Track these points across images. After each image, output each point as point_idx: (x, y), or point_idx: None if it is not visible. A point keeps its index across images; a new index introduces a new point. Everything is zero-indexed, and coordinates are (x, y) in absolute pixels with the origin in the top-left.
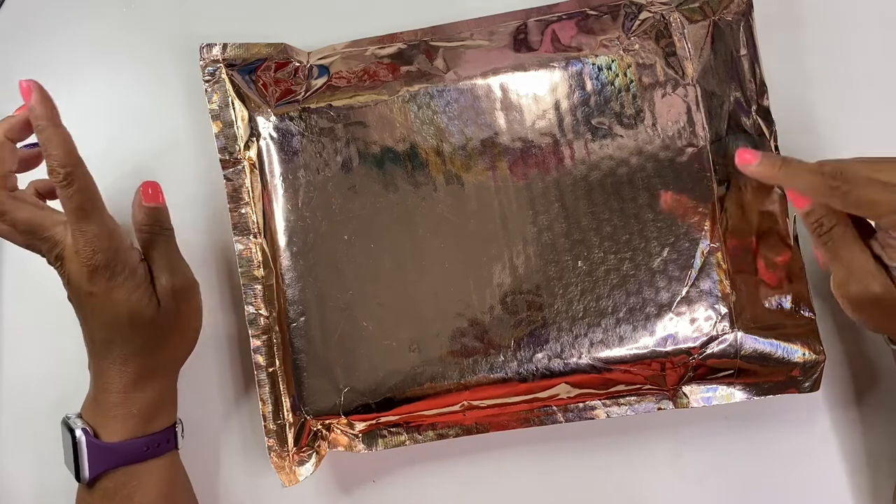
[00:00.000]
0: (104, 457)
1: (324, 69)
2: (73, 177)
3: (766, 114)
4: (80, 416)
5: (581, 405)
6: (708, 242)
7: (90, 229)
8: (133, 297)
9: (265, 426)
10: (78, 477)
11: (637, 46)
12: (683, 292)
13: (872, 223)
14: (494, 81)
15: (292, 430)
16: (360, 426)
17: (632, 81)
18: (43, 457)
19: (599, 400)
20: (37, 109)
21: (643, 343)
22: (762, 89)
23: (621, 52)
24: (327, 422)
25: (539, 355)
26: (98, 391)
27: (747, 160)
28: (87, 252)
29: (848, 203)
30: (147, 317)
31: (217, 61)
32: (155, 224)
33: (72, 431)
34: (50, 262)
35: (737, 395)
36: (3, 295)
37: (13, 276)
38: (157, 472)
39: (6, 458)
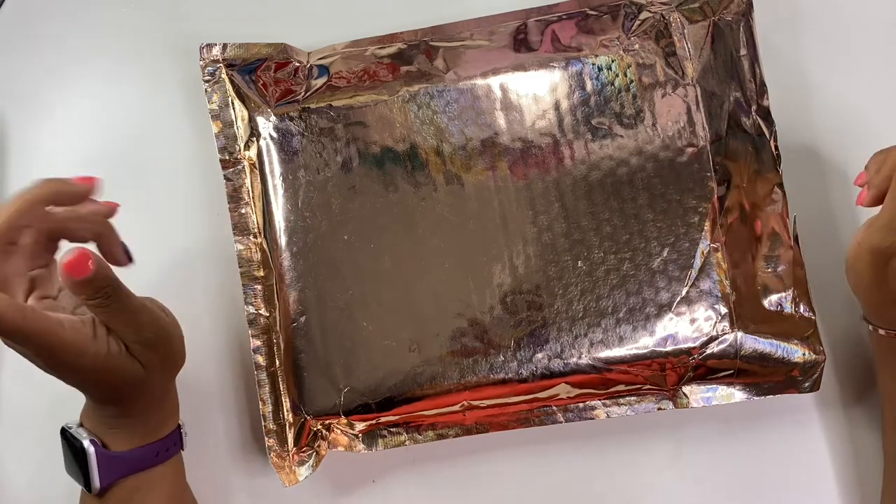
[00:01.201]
0: (116, 466)
1: (324, 69)
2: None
3: (766, 114)
4: (80, 424)
5: (581, 405)
6: (708, 242)
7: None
8: (110, 377)
9: (265, 426)
10: (88, 487)
11: (637, 46)
12: (683, 292)
13: None
14: (494, 81)
15: (292, 430)
16: (360, 426)
17: (632, 81)
18: (43, 462)
19: (599, 400)
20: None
21: (643, 343)
22: (762, 89)
23: (621, 52)
24: (327, 422)
25: (539, 355)
26: (97, 409)
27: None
28: (48, 361)
29: None
30: (134, 381)
31: (217, 61)
32: (94, 294)
33: (77, 442)
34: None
35: (737, 395)
36: None
37: None
38: (167, 476)
39: (5, 463)
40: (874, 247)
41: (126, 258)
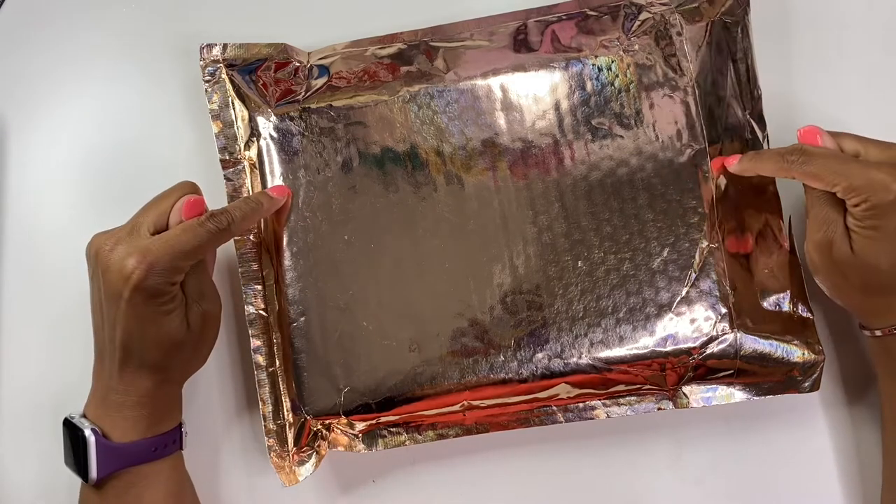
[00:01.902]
0: (113, 457)
1: (324, 69)
2: (225, 227)
3: (760, 115)
4: (84, 416)
5: (581, 405)
6: (707, 243)
7: (164, 259)
8: (165, 320)
9: (265, 426)
10: (85, 477)
11: (637, 47)
12: (683, 292)
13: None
14: (494, 82)
15: (292, 430)
16: (360, 426)
17: (631, 82)
18: (44, 457)
19: (599, 400)
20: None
21: (643, 343)
22: (758, 90)
23: (621, 52)
24: (327, 422)
25: (539, 355)
26: (109, 391)
27: (729, 162)
28: (139, 275)
29: (803, 174)
30: (176, 339)
31: (217, 61)
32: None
33: (78, 431)
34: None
35: (736, 395)
36: (4, 295)
37: (14, 277)
38: (165, 473)
39: (7, 458)
40: (814, 243)
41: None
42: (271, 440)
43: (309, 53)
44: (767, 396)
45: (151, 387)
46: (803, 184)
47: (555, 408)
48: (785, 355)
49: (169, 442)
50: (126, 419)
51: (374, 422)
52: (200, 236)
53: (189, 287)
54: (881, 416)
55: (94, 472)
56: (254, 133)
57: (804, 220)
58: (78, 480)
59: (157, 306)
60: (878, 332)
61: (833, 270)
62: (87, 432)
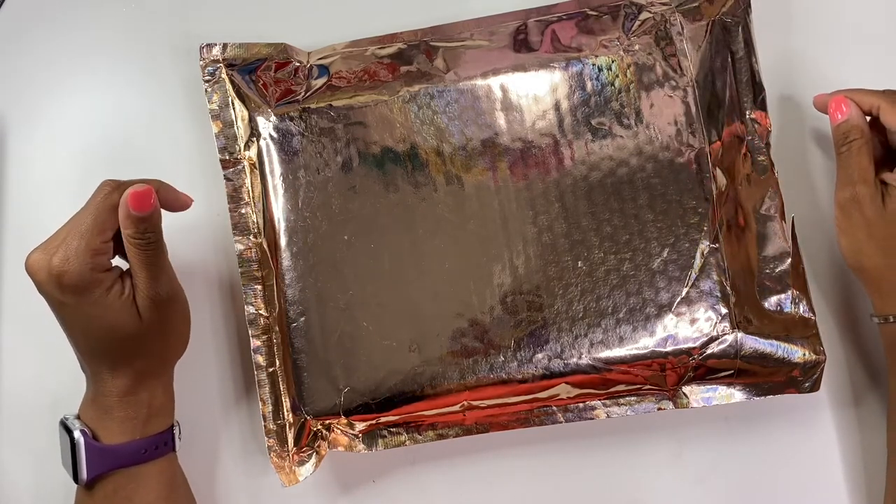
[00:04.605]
0: (102, 459)
1: (324, 69)
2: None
3: (762, 114)
4: (78, 417)
5: (581, 405)
6: (708, 243)
7: (73, 244)
8: (108, 314)
9: (265, 426)
10: (76, 478)
11: (637, 47)
12: (683, 293)
13: None
14: (494, 82)
15: (292, 430)
16: (360, 426)
17: (632, 82)
18: (42, 458)
19: (599, 400)
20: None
21: (643, 343)
22: (759, 89)
23: (621, 52)
24: (327, 422)
25: (539, 356)
26: (95, 394)
27: (842, 110)
28: (58, 265)
29: None
30: (127, 331)
31: (217, 61)
32: (142, 235)
33: (70, 433)
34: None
35: (737, 395)
36: (3, 295)
37: (14, 275)
38: (156, 475)
39: (5, 459)
40: (843, 200)
41: (188, 198)
42: (271, 440)
43: (309, 53)
44: (767, 396)
45: (130, 384)
46: (834, 138)
47: (555, 408)
48: (786, 355)
49: (160, 444)
50: (114, 420)
51: (374, 422)
52: (95, 207)
53: (139, 276)
54: (888, 413)
55: (83, 473)
56: (254, 133)
57: (808, 220)
58: (73, 484)
59: (96, 299)
60: (892, 318)
61: (859, 228)
62: (77, 434)
